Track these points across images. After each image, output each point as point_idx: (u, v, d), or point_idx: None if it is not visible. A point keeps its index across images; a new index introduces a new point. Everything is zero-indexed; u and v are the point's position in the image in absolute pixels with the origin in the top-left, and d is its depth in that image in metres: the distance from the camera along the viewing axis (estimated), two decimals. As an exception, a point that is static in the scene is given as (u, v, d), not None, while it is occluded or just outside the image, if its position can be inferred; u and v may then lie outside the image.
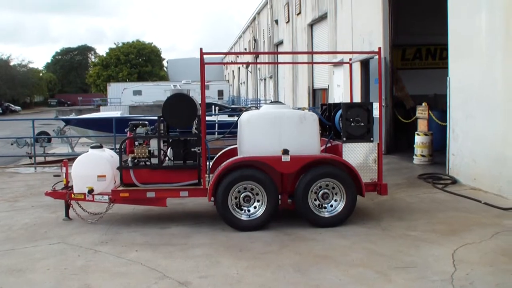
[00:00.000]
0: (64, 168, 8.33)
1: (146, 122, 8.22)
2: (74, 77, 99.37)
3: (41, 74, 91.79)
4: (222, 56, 61.99)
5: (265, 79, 38.17)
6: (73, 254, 6.57)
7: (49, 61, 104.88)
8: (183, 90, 8.17)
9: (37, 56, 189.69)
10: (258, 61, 35.04)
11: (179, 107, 7.73)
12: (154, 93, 48.20)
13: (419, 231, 7.10)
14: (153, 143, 7.82)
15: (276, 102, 8.58)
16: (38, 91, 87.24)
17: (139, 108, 39.55)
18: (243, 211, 7.39)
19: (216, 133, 16.22)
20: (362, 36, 15.42)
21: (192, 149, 7.74)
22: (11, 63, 78.23)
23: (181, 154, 7.83)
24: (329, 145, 8.37)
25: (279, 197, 7.59)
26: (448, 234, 6.90)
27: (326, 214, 7.40)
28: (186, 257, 6.30)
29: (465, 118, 10.04)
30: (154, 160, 7.78)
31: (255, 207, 7.40)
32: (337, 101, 18.65)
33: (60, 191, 8.22)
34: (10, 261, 6.36)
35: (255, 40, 41.18)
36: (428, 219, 7.77)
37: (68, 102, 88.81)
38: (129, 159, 7.82)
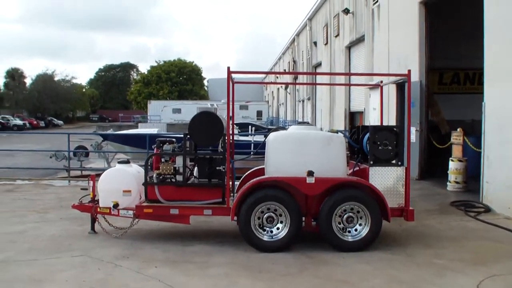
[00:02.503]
0: (91, 182, 8.45)
1: (174, 139, 8.29)
2: (115, 93, 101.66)
3: (84, 90, 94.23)
4: (262, 76, 62.36)
5: (303, 101, 38.15)
6: (93, 267, 6.62)
7: (92, 77, 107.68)
8: (210, 108, 8.18)
9: (80, 72, 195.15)
10: (297, 82, 35.12)
11: (205, 125, 7.75)
12: (193, 111, 48.62)
13: (445, 259, 6.88)
14: (179, 160, 7.85)
15: (304, 123, 8.51)
16: (80, 106, 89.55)
17: (176, 126, 40.14)
18: (265, 232, 7.32)
19: (251, 153, 16.25)
20: (399, 59, 15.26)
21: (217, 168, 7.74)
22: (55, 78, 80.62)
23: (206, 172, 7.85)
24: (357, 168, 8.24)
25: (303, 219, 7.50)
26: (476, 264, 6.66)
27: (350, 238, 7.25)
28: (205, 276, 6.27)
29: (500, 144, 9.75)
30: (179, 177, 7.81)
31: (278, 228, 7.32)
32: (373, 124, 18.51)
33: (87, 205, 8.32)
34: (31, 271, 6.46)
35: (294, 61, 41.30)
36: (456, 247, 7.53)
37: (110, 118, 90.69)
38: (154, 175, 7.87)
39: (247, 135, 21.29)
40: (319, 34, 29.06)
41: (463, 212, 9.88)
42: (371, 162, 7.74)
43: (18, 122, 61.50)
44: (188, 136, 7.87)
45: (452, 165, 12.13)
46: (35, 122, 64.95)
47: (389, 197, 7.59)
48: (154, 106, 63.14)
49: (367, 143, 7.90)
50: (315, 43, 30.84)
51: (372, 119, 18.57)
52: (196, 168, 8.09)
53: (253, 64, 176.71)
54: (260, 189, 7.35)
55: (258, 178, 7.50)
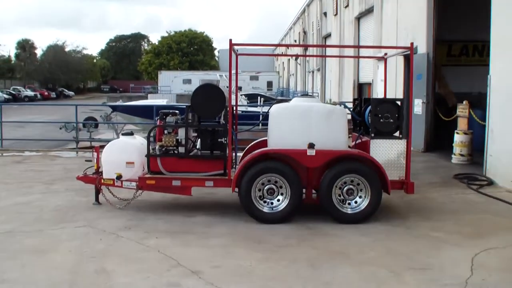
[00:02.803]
0: (95, 154, 8.55)
1: (177, 111, 8.34)
2: (126, 64, 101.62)
3: (95, 61, 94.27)
4: (272, 48, 61.90)
5: (313, 72, 37.92)
6: (95, 237, 6.75)
7: (103, 48, 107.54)
8: (212, 80, 8.19)
9: (93, 43, 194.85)
10: (306, 53, 34.82)
11: (207, 98, 7.79)
12: (206, 81, 48.73)
13: (443, 232, 6.93)
14: (181, 132, 7.92)
15: (307, 95, 8.52)
16: (91, 77, 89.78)
17: (185, 97, 40.14)
18: (266, 203, 7.40)
19: (260, 124, 16.34)
20: (407, 31, 15.10)
21: (219, 140, 7.80)
22: (66, 49, 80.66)
23: (208, 144, 7.91)
24: (359, 141, 8.26)
25: (304, 191, 7.57)
26: (473, 237, 6.70)
27: (349, 211, 7.31)
28: (203, 246, 6.37)
29: (505, 118, 9.69)
30: (182, 149, 7.88)
31: (278, 200, 7.39)
32: (380, 95, 18.41)
33: (91, 176, 8.44)
34: (36, 241, 6.60)
35: (304, 32, 40.92)
36: (455, 220, 7.57)
37: (121, 89, 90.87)
38: (156, 147, 7.95)
39: (256, 106, 21.32)
40: (329, 4, 28.71)
41: (466, 185, 9.89)
42: (372, 135, 7.75)
43: (29, 93, 61.86)
44: (191, 108, 7.92)
45: (457, 137, 12.09)
46: (46, 93, 65.35)
47: (390, 169, 7.62)
48: (164, 77, 63.12)
49: (368, 116, 7.90)
50: (325, 13, 30.51)
51: (380, 91, 18.47)
52: (199, 140, 8.15)
53: (265, 35, 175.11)
54: (261, 161, 7.40)
55: (259, 150, 7.54)
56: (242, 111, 19.10)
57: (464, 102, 12.26)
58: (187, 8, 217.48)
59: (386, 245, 6.40)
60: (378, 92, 18.70)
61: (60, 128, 18.64)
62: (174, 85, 56.06)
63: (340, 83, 25.74)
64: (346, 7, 23.86)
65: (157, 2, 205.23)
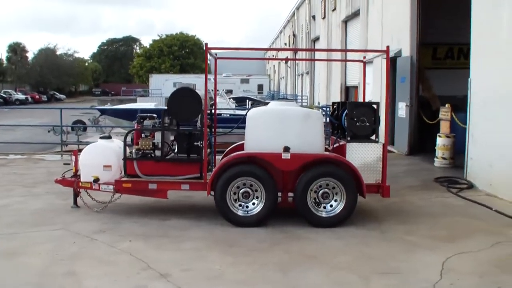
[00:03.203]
0: (74, 157, 8.52)
1: (155, 115, 8.32)
2: (118, 67, 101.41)
3: (86, 64, 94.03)
4: (266, 50, 61.92)
5: (302, 75, 37.98)
6: (69, 240, 6.72)
7: (95, 51, 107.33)
8: (189, 84, 8.18)
9: (86, 46, 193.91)
10: (297, 56, 34.91)
11: (183, 101, 7.78)
12: (198, 85, 48.77)
13: (417, 236, 6.94)
14: (158, 136, 7.90)
15: (284, 99, 8.51)
16: (83, 80, 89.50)
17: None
18: (241, 207, 7.39)
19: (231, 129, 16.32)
20: (391, 34, 15.16)
21: (195, 143, 7.78)
22: (58, 53, 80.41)
23: (185, 147, 7.90)
24: (337, 144, 8.27)
25: (280, 195, 7.57)
26: (447, 241, 6.71)
27: (324, 214, 7.31)
28: (176, 250, 6.36)
29: (484, 121, 9.74)
30: (159, 153, 7.86)
31: (253, 203, 7.38)
32: (367, 99, 18.44)
33: (69, 179, 8.41)
34: (9, 244, 6.58)
35: (294, 35, 41.00)
36: (431, 224, 7.58)
37: (112, 92, 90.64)
38: (133, 151, 7.93)
39: (243, 109, 21.28)
40: (318, 8, 28.78)
41: (446, 188, 9.91)
42: (348, 138, 7.76)
43: (20, 96, 61.57)
44: (167, 112, 7.91)
45: (440, 141, 12.13)
46: (37, 97, 65.02)
47: (366, 173, 7.63)
48: (155, 80, 62.88)
49: (344, 119, 7.91)
50: (313, 17, 30.58)
51: (367, 94, 18.49)
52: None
53: (258, 39, 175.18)
54: (236, 164, 7.39)
55: (234, 154, 7.53)
56: (230, 115, 19.10)
57: (446, 105, 12.30)
58: (180, 12, 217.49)
59: (359, 249, 6.40)
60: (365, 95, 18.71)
61: (49, 131, 18.54)
62: (165, 88, 55.76)
63: (328, 86, 25.78)
64: (333, 10, 23.93)
65: (150, 5, 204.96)
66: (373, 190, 7.73)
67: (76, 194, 8.43)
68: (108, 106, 24.54)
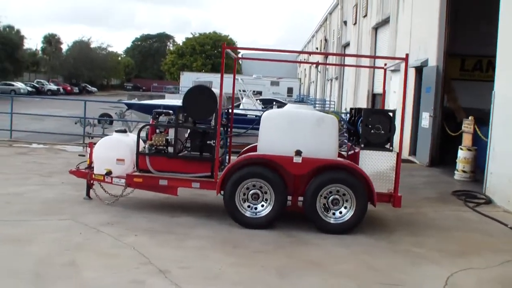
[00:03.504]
0: (89, 149, 8.61)
1: (171, 111, 8.35)
2: (151, 63, 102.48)
3: (119, 58, 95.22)
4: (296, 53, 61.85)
5: (331, 80, 37.76)
6: (76, 231, 6.79)
7: (129, 46, 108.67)
8: (206, 82, 8.19)
9: (120, 41, 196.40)
10: (320, 61, 34.74)
11: (199, 99, 7.78)
12: (226, 85, 48.95)
13: (426, 249, 6.79)
14: (172, 132, 7.92)
15: (301, 102, 8.43)
16: (115, 74, 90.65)
17: (223, 99, 40.52)
18: (250, 208, 7.35)
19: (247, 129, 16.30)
20: (419, 43, 14.95)
21: (208, 142, 7.78)
22: (92, 46, 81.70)
23: (198, 145, 7.91)
24: (352, 151, 8.17)
25: (289, 198, 7.52)
26: (455, 256, 6.56)
27: (332, 221, 7.22)
28: (179, 247, 6.36)
29: (506, 136, 9.50)
30: (171, 149, 7.88)
31: (262, 205, 7.35)
32: (392, 107, 18.23)
33: (83, 171, 8.50)
34: (15, 231, 6.68)
35: (326, 40, 40.80)
36: (442, 237, 7.43)
37: (143, 87, 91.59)
38: (146, 146, 7.97)
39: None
40: (349, 13, 28.58)
41: (463, 202, 9.71)
42: (362, 145, 7.66)
43: (53, 87, 62.75)
44: (182, 109, 7.94)
45: (461, 153, 11.90)
46: (69, 88, 66.17)
47: (378, 181, 7.53)
48: (186, 78, 63.29)
49: (359, 126, 7.81)
50: (345, 22, 30.38)
51: (391, 102, 18.30)
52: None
53: (292, 42, 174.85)
54: (246, 165, 7.37)
55: (245, 155, 7.51)
56: (256, 116, 19.08)
57: (469, 118, 12.05)
58: (216, 11, 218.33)
59: (363, 258, 6.30)
60: (389, 104, 18.51)
61: (75, 123, 18.85)
62: (195, 87, 56.22)
63: (355, 93, 25.56)
64: (364, 16, 23.72)
65: (187, 4, 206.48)
66: (384, 199, 7.61)
67: (89, 186, 8.51)
68: (135, 101, 24.77)
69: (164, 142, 7.89)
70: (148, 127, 8.23)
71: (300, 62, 32.44)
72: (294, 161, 7.18)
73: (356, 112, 8.48)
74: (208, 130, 7.89)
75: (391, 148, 7.65)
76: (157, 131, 8.13)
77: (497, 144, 9.83)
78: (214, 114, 7.92)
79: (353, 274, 5.70)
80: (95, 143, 8.69)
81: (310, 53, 19.01)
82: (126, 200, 8.41)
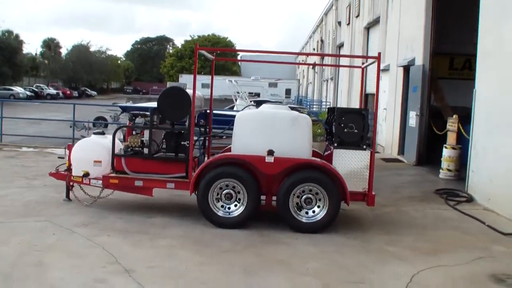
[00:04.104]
0: (67, 151, 8.64)
1: (148, 113, 8.38)
2: (150, 66, 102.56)
3: (119, 62, 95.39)
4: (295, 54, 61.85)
5: (327, 81, 37.76)
6: (50, 232, 6.82)
7: (128, 49, 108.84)
8: (180, 84, 8.22)
9: (121, 44, 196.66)
10: (320, 62, 34.79)
11: (173, 100, 7.81)
12: (222, 86, 49.03)
13: (399, 247, 6.79)
14: (147, 134, 7.95)
15: (276, 102, 8.44)
16: (115, 77, 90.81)
17: (198, 100, 40.47)
18: (223, 208, 7.37)
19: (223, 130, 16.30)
20: (406, 43, 14.94)
21: (182, 143, 7.81)
22: (91, 49, 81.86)
23: (173, 146, 7.94)
24: (329, 151, 8.18)
25: (263, 198, 7.54)
26: (427, 254, 6.55)
27: (304, 220, 7.24)
28: (150, 247, 6.39)
29: (487, 134, 9.50)
30: (147, 150, 7.91)
31: (235, 205, 7.37)
32: (383, 106, 18.23)
33: (62, 173, 8.54)
34: (-9, 233, 6.71)
35: (322, 41, 40.78)
36: (417, 235, 7.42)
37: (143, 90, 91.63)
38: (122, 147, 8.00)
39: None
40: (343, 14, 28.59)
41: (444, 201, 9.70)
42: (335, 144, 7.67)
43: (52, 91, 62.87)
44: (157, 110, 7.97)
45: (446, 152, 11.88)
46: (68, 92, 66.26)
47: (353, 180, 7.54)
48: (185, 80, 62.96)
49: (333, 125, 7.83)
50: (339, 23, 30.38)
51: (382, 102, 18.30)
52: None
53: (293, 44, 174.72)
54: (220, 165, 7.39)
55: (217, 155, 7.54)
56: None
57: (454, 116, 12.05)
58: (216, 14, 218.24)
59: (333, 257, 6.31)
60: (380, 103, 18.52)
61: (70, 127, 18.91)
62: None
63: (349, 93, 25.54)
64: (357, 16, 23.72)
65: (187, 6, 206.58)
66: (358, 198, 7.62)
67: (69, 188, 8.55)
68: (129, 104, 24.82)
69: (139, 144, 7.93)
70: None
71: (294, 63, 32.46)
72: (266, 160, 7.20)
73: (332, 112, 8.49)
74: (183, 131, 7.91)
75: (364, 146, 7.65)
76: (134, 132, 8.18)
77: (478, 142, 9.83)
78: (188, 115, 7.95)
79: (320, 273, 5.71)
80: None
81: (296, 54, 19.05)
82: (105, 201, 8.44)
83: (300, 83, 64.94)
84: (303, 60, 53.77)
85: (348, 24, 26.30)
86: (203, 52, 8.58)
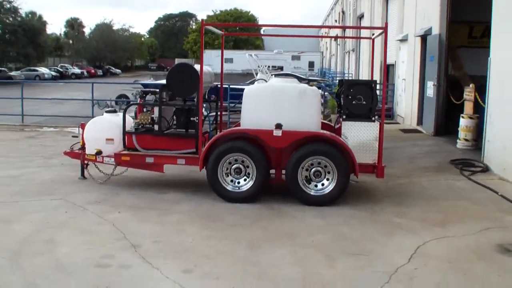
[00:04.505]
0: (81, 130, 8.78)
1: (157, 90, 8.43)
2: (174, 42, 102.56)
3: (142, 39, 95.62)
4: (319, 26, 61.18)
5: (349, 52, 37.28)
6: (63, 210, 6.99)
7: (152, 26, 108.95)
8: (188, 60, 8.23)
9: (143, 21, 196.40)
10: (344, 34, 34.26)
11: (182, 77, 7.84)
12: (245, 61, 48.80)
13: (407, 219, 6.78)
14: (157, 111, 8.02)
15: (288, 75, 8.38)
16: (139, 55, 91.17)
17: (207, 76, 40.54)
18: (233, 182, 7.44)
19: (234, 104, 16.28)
20: (423, 11, 14.63)
21: (191, 119, 7.86)
22: (114, 28, 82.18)
23: (182, 122, 8.00)
24: (339, 123, 8.14)
25: (273, 172, 7.58)
26: (434, 225, 6.52)
27: (312, 192, 7.26)
28: (158, 222, 6.50)
29: (501, 102, 9.32)
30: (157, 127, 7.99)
31: (245, 180, 7.42)
32: (401, 77, 17.97)
33: (76, 152, 8.69)
34: (6, 211, 6.94)
35: (343, 12, 40.16)
36: (427, 206, 7.39)
37: (168, 67, 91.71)
38: (132, 125, 8.09)
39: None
40: (363, -17, 28.06)
41: (459, 171, 9.60)
42: (344, 117, 7.63)
43: (76, 70, 63.59)
44: (166, 87, 8.02)
45: (462, 122, 11.70)
46: (92, 71, 66.93)
47: (362, 152, 7.51)
48: (208, 56, 62.97)
49: (341, 97, 7.77)
50: (359, -8, 29.86)
51: (401, 72, 18.06)
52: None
53: (317, 16, 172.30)
54: (228, 140, 7.43)
55: (226, 130, 7.58)
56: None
57: (470, 85, 11.82)
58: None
59: (339, 229, 6.33)
60: (399, 74, 18.27)
61: (93, 106, 19.16)
62: (216, 64, 56.11)
63: (369, 64, 25.20)
64: (376, -14, 23.29)
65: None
66: (368, 170, 7.60)
67: (83, 166, 8.71)
68: (150, 81, 24.94)
69: (149, 121, 8.01)
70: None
71: (314, 36, 31.88)
72: (274, 134, 7.21)
73: (342, 84, 8.42)
74: (192, 107, 7.96)
75: (373, 118, 7.59)
76: (144, 110, 8.26)
77: (493, 110, 9.66)
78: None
79: (323, 245, 5.75)
80: (87, 124, 8.86)
81: (310, 27, 18.87)
82: (119, 178, 8.59)
83: (323, 56, 64.21)
84: (325, 33, 53.12)
85: (368, -7, 25.81)
86: (211, 28, 8.54)
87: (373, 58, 9.48)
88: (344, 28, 21.72)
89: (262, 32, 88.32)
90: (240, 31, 77.64)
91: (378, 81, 21.96)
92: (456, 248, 5.73)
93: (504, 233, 6.24)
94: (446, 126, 13.43)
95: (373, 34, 9.50)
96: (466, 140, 11.64)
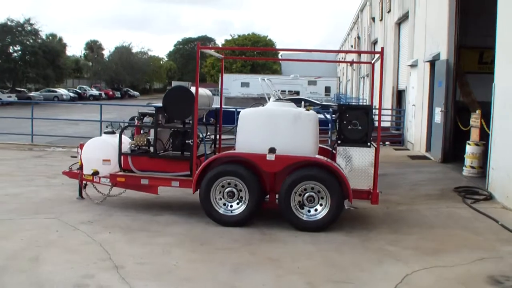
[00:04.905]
0: (80, 150, 8.83)
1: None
2: (193, 66, 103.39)
3: (161, 62, 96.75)
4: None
5: (363, 77, 37.27)
6: (54, 229, 7.00)
7: (171, 50, 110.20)
8: (185, 83, 8.26)
9: (162, 45, 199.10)
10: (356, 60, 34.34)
11: (178, 99, 7.87)
12: (253, 85, 49.11)
13: (400, 247, 6.63)
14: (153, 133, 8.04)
15: (283, 99, 8.31)
16: (157, 78, 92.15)
17: (234, 100, 40.66)
18: (225, 206, 7.38)
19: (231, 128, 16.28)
20: (432, 37, 14.59)
21: (187, 141, 7.86)
22: (133, 50, 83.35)
23: (178, 145, 8.00)
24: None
25: (267, 196, 7.52)
26: (427, 254, 6.36)
27: (304, 218, 7.16)
28: (147, 244, 6.45)
29: (504, 129, 9.18)
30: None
31: (237, 203, 7.36)
32: (412, 102, 17.85)
33: (74, 172, 8.74)
34: (0, 228, 6.94)
35: (358, 38, 40.29)
36: (423, 235, 7.23)
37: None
38: (129, 146, 8.12)
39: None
40: (376, 9, 28.15)
41: (461, 199, 9.42)
42: (339, 142, 7.56)
43: (95, 92, 64.45)
44: (162, 109, 8.05)
45: (469, 149, 11.54)
46: (110, 93, 67.74)
47: (357, 178, 7.42)
48: (225, 79, 63.70)
49: (336, 122, 7.72)
50: (373, 19, 29.93)
51: (411, 98, 17.96)
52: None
53: (335, 42, 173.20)
54: (221, 164, 7.40)
55: (221, 153, 7.55)
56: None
57: (476, 112, 11.68)
58: (258, 13, 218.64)
59: (328, 255, 6.22)
60: (409, 100, 18.18)
61: (107, 127, 19.30)
62: (232, 88, 56.47)
63: (382, 89, 25.13)
64: (388, 12, 23.31)
65: (229, 6, 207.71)
66: (363, 196, 7.50)
67: (81, 186, 8.74)
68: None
69: (145, 142, 8.02)
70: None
71: (328, 61, 31.82)
72: (267, 158, 7.16)
73: (339, 109, 8.36)
74: (188, 129, 7.96)
75: (368, 144, 7.51)
76: (142, 131, 8.28)
77: (497, 137, 9.51)
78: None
79: (308, 272, 5.64)
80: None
81: (321, 51, 18.90)
82: (117, 199, 8.60)
83: (340, 81, 64.27)
84: (342, 58, 53.24)
85: (381, 19, 25.88)
86: (209, 51, 8.58)
87: (373, 83, 9.38)
88: (344, 52, 21.69)
89: (279, 57, 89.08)
90: (258, 55, 78.24)
91: (389, 107, 22.02)
92: (444, 278, 5.58)
93: (497, 264, 6.07)
94: (454, 152, 13.26)
95: (372, 59, 9.42)
96: (472, 167, 11.46)
